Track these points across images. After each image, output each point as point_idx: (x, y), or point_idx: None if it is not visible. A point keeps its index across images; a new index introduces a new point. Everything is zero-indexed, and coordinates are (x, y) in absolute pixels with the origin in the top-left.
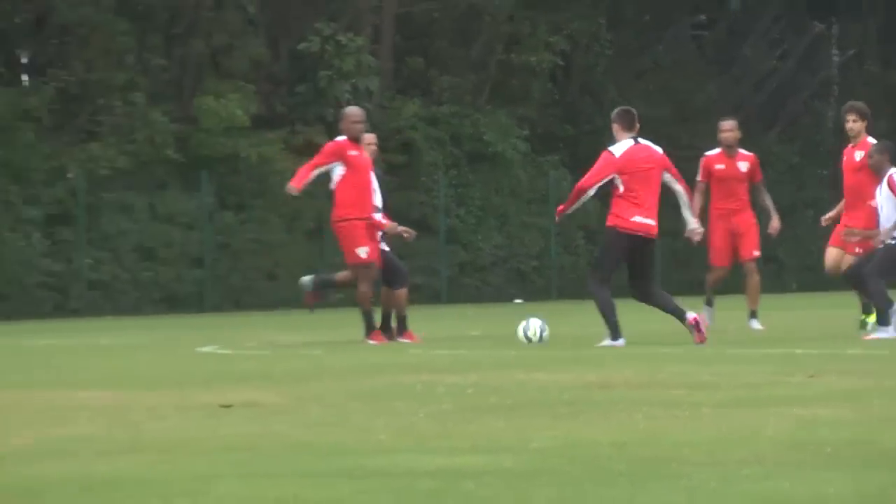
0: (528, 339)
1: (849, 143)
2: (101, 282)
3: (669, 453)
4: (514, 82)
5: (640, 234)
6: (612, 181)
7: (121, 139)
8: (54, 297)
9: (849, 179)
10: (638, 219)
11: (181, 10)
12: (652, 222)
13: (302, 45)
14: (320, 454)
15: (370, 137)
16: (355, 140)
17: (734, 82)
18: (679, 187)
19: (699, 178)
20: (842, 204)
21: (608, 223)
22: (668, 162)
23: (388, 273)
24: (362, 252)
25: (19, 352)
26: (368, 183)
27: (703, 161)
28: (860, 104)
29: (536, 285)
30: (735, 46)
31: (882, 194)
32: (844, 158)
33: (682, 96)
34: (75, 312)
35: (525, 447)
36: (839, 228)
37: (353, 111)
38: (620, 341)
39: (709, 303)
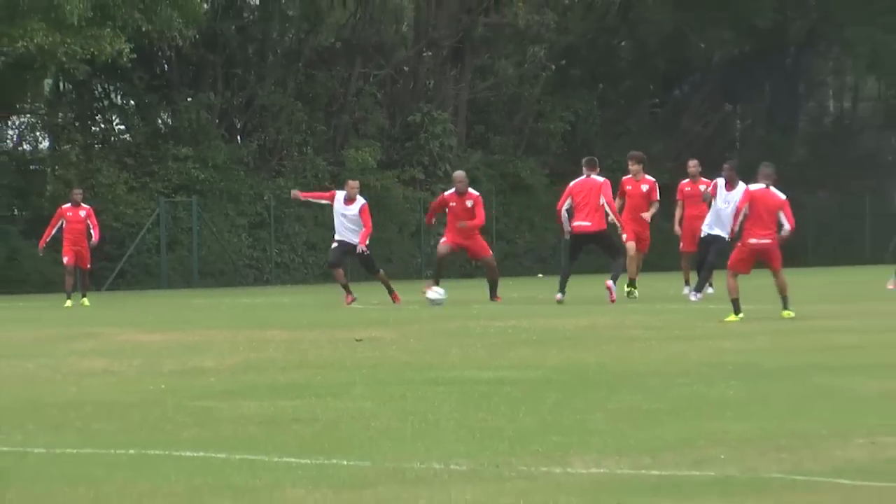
0: (437, 299)
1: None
2: (284, 263)
3: (632, 369)
4: (540, 140)
5: (581, 231)
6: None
7: (297, 176)
8: (254, 273)
9: (628, 202)
10: (577, 223)
11: (335, 96)
12: (588, 223)
13: (410, 118)
14: (416, 369)
15: (354, 183)
16: (461, 193)
17: (675, 142)
18: (605, 202)
19: (677, 197)
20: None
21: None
22: (604, 188)
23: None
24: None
25: (233, 307)
26: (458, 215)
27: (679, 186)
28: (637, 153)
29: (551, 265)
30: (676, 119)
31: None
32: (629, 187)
33: (643, 150)
34: (267, 282)
35: (542, 366)
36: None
37: (459, 174)
38: (559, 295)
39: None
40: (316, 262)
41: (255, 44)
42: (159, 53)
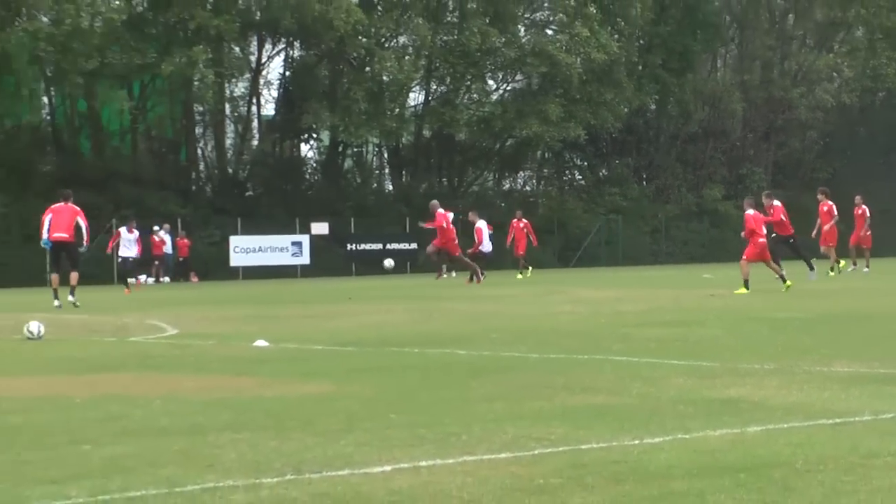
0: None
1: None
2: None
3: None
4: None
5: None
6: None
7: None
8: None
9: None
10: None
11: (700, 158)
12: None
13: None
14: (741, 313)
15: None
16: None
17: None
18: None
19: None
20: None
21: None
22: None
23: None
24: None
25: (649, 277)
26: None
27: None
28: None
29: None
30: None
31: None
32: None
33: None
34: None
35: (815, 310)
36: None
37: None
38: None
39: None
40: None
41: (653, 129)
42: (601, 136)
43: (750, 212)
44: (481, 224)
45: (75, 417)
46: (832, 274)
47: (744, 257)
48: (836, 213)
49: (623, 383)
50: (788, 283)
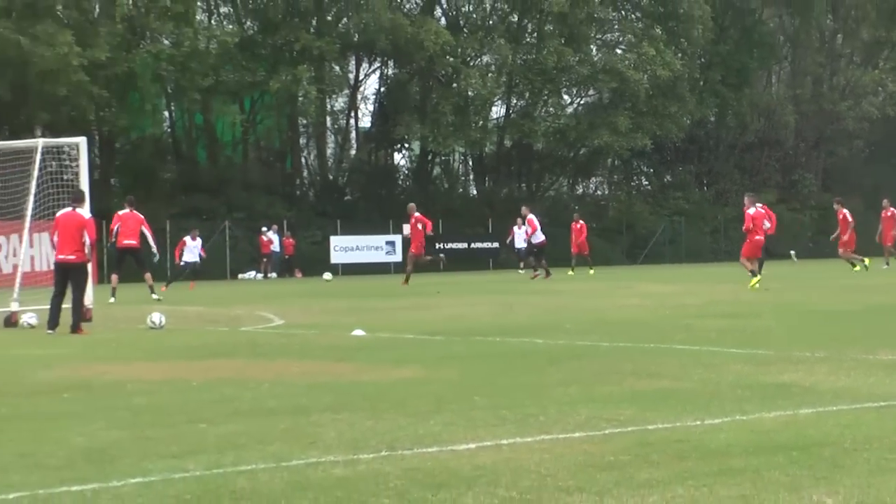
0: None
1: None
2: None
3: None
4: None
5: None
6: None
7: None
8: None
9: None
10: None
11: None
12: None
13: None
14: (794, 307)
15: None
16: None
17: None
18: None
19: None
20: None
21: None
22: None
23: None
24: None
25: (701, 272)
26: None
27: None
28: None
29: None
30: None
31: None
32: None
33: None
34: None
35: (864, 302)
36: None
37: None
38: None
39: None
40: None
41: (713, 139)
42: (665, 145)
43: (751, 210)
44: (532, 217)
45: (193, 399)
46: (886, 267)
47: (742, 255)
48: (851, 219)
49: (685, 369)
50: (756, 278)
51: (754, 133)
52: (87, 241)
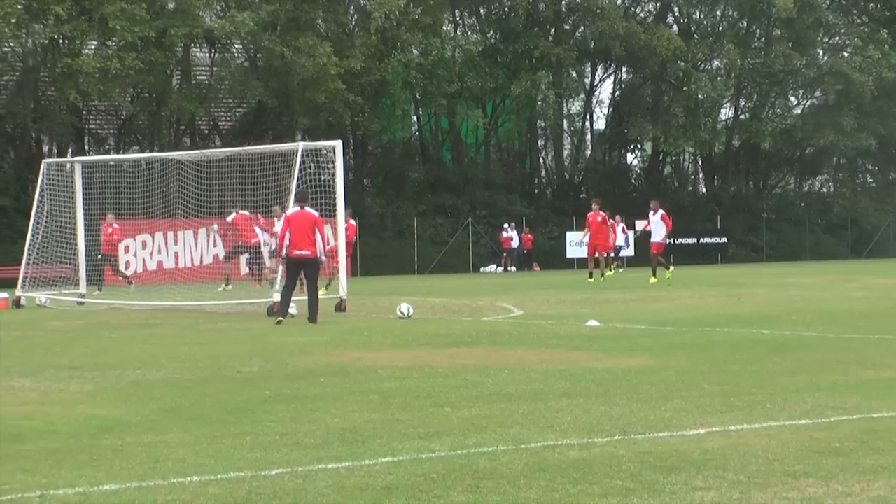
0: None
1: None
2: None
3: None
4: None
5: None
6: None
7: None
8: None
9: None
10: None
11: None
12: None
13: None
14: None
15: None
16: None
17: None
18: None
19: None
20: None
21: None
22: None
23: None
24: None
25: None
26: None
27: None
28: None
29: None
30: None
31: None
32: None
33: None
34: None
35: None
36: None
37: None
38: None
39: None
40: None
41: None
42: (890, 143)
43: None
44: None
45: (438, 384)
46: None
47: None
48: None
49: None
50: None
51: None
52: (320, 236)
